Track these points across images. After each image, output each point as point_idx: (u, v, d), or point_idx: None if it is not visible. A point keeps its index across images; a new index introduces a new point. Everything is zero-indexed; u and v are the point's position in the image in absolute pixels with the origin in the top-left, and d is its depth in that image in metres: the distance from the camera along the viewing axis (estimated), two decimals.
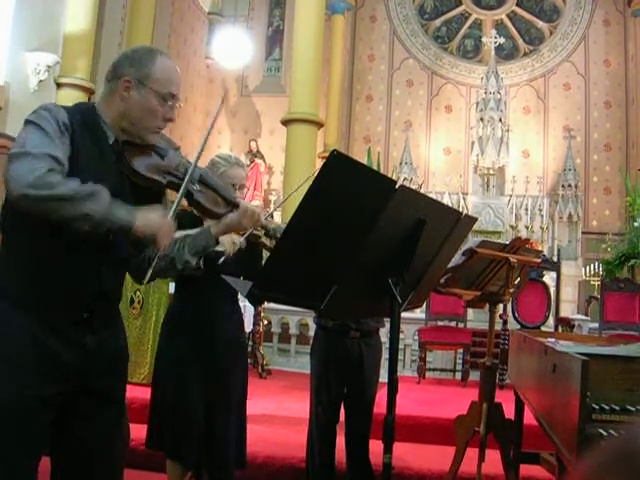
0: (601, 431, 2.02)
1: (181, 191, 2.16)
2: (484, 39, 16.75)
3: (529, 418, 3.48)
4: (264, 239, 3.28)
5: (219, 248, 3.24)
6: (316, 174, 1.79)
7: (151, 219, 2.02)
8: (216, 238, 2.29)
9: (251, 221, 2.29)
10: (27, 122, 2.02)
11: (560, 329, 8.43)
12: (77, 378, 2.11)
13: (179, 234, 2.30)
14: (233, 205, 2.29)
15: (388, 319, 2.18)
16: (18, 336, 2.03)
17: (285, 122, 12.46)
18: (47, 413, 2.06)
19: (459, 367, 8.42)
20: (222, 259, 3.06)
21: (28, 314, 2.05)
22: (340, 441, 3.75)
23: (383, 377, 2.75)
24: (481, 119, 15.22)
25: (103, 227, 1.96)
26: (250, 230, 2.91)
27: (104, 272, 2.13)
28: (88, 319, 2.11)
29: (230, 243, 3.20)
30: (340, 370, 3.66)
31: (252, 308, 7.97)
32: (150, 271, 2.14)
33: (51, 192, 1.87)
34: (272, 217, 3.43)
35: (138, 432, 4.05)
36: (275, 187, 16.58)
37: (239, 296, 3.58)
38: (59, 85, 11.41)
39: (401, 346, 8.38)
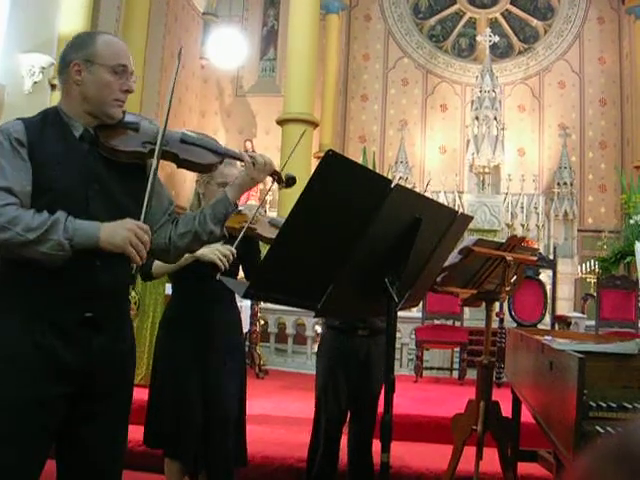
0: (598, 428, 2.03)
1: (156, 153, 2.18)
2: (479, 38, 16.76)
3: (526, 416, 3.49)
4: (260, 230, 3.28)
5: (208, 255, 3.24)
6: (311, 172, 1.79)
7: (117, 233, 2.05)
8: (234, 202, 2.30)
9: (264, 171, 2.31)
10: None
11: (557, 327, 8.43)
12: (82, 379, 2.10)
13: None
14: (222, 154, 2.33)
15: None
16: (18, 337, 2.03)
17: (280, 122, 12.46)
18: (48, 415, 2.05)
19: (456, 365, 8.43)
20: (218, 275, 3.08)
21: (28, 315, 2.04)
22: (343, 441, 3.75)
23: None
24: (476, 117, 15.23)
25: (68, 253, 2.01)
26: (245, 227, 2.90)
27: (100, 269, 2.11)
28: (92, 319, 2.10)
29: (220, 257, 3.22)
30: (348, 369, 3.65)
31: (249, 309, 7.97)
32: (136, 277, 2.17)
33: (7, 235, 1.95)
34: (266, 212, 3.41)
35: (135, 433, 4.05)
36: (272, 187, 16.54)
37: (237, 296, 3.57)
38: (54, 86, 11.38)
39: (398, 345, 8.38)
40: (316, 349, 3.96)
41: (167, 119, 2.23)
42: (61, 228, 1.99)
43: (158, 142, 2.19)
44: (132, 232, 2.05)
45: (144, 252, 2.09)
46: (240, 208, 3.43)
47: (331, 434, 3.66)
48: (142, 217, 2.13)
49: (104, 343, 2.13)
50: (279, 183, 2.40)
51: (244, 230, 2.88)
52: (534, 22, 17.63)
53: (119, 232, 2.05)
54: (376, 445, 2.22)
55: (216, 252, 3.25)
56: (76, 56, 2.18)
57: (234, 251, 3.21)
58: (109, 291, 2.16)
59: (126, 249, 2.04)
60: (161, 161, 2.24)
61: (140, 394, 5.18)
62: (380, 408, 2.12)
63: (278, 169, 2.44)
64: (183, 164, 2.29)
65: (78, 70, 2.18)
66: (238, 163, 2.79)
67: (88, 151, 2.18)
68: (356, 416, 3.72)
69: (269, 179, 2.44)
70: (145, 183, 2.21)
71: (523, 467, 4.09)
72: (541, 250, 12.85)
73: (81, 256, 2.07)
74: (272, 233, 3.16)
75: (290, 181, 2.39)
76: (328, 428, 3.66)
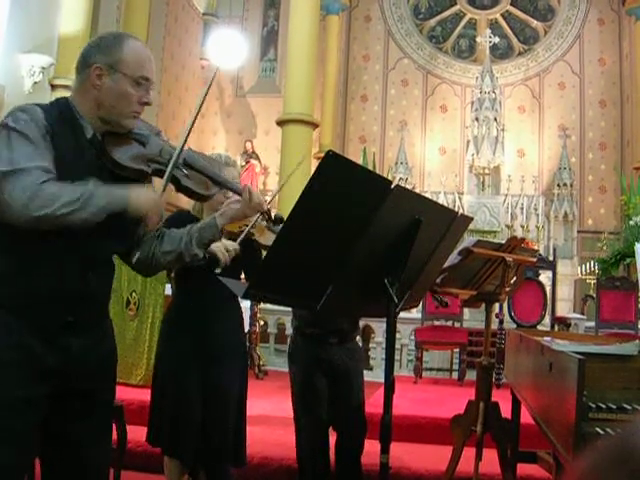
0: (598, 430, 2.02)
1: (166, 176, 2.16)
2: (479, 39, 16.77)
3: (526, 417, 3.48)
4: (258, 236, 3.28)
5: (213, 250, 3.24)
6: (312, 172, 1.80)
7: (142, 197, 2.08)
8: (222, 229, 2.30)
9: (256, 208, 2.29)
10: (6, 128, 1.99)
11: (556, 328, 8.44)
12: (62, 380, 2.08)
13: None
14: (222, 185, 2.31)
15: (377, 319, 2.17)
16: (2, 338, 2.01)
17: (280, 123, 12.46)
18: (33, 415, 2.04)
19: (456, 366, 8.43)
20: (218, 270, 3.06)
21: (12, 317, 2.02)
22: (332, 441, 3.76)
23: (379, 377, 2.75)
24: (476, 118, 15.23)
25: (97, 219, 1.99)
26: (246, 232, 2.90)
27: (88, 274, 2.10)
28: (74, 323, 2.08)
29: (223, 252, 3.20)
30: (324, 377, 3.66)
31: (249, 309, 7.97)
32: (138, 253, 2.20)
33: (50, 210, 1.90)
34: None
35: (136, 433, 4.05)
36: (271, 188, 16.57)
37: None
38: (54, 87, 11.38)
39: (397, 346, 8.38)
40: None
41: (184, 144, 2.21)
42: (96, 196, 1.98)
43: (170, 166, 2.17)
44: (156, 202, 2.11)
45: (159, 221, 2.16)
46: None
47: (316, 439, 3.66)
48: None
49: (84, 345, 2.11)
50: (267, 221, 2.40)
51: (242, 238, 2.89)
52: (534, 23, 17.64)
53: (146, 199, 2.09)
54: (375, 446, 2.22)
55: (220, 246, 3.22)
56: (100, 59, 2.11)
57: (237, 248, 3.20)
58: (93, 296, 2.14)
59: (150, 215, 2.10)
60: None
61: (140, 394, 5.19)
62: (379, 409, 2.12)
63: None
64: (182, 190, 2.26)
65: (99, 75, 2.10)
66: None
67: (95, 156, 2.12)
68: (339, 425, 3.73)
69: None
70: None
71: (522, 468, 4.09)
72: (541, 251, 12.86)
73: (74, 264, 2.06)
74: (270, 240, 3.15)
75: (278, 221, 2.40)
76: (312, 433, 3.65)
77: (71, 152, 2.07)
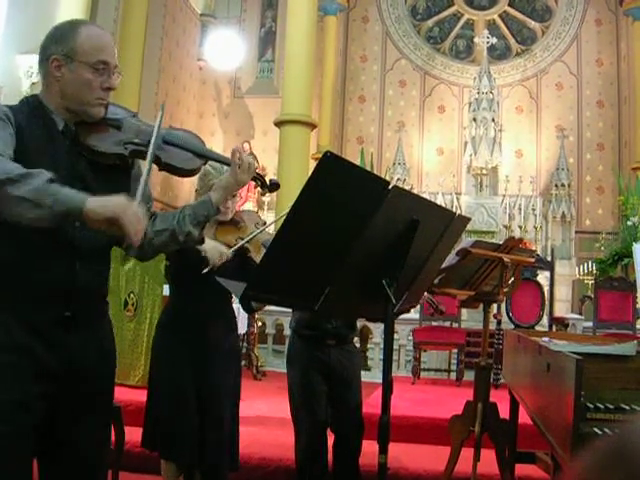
0: (596, 430, 2.03)
1: (149, 158, 2.06)
2: (476, 39, 16.76)
3: (524, 417, 3.49)
4: (253, 254, 3.30)
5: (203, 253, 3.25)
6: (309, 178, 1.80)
7: (109, 202, 1.84)
8: (217, 205, 2.22)
9: (248, 173, 2.22)
10: None
11: (554, 328, 8.45)
12: (60, 380, 2.06)
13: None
14: (206, 157, 2.24)
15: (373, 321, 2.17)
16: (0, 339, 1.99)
17: (278, 123, 12.46)
18: (30, 416, 2.01)
19: (454, 367, 8.43)
20: (207, 269, 3.07)
21: (5, 315, 2.00)
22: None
23: (377, 378, 2.75)
24: (474, 119, 15.23)
25: (44, 213, 1.80)
26: (240, 244, 2.90)
27: (78, 267, 2.06)
28: (71, 318, 2.06)
29: (217, 254, 3.20)
30: (323, 379, 3.67)
31: None
32: (130, 261, 2.06)
33: None
34: (265, 223, 3.42)
35: (133, 434, 4.05)
36: None
37: (233, 298, 3.58)
38: None
39: (395, 346, 8.38)
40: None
41: (160, 125, 2.13)
42: (44, 179, 1.80)
43: (150, 150, 2.07)
44: (128, 204, 1.87)
45: (141, 228, 1.89)
46: (239, 219, 3.45)
47: (314, 443, 3.66)
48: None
49: (83, 343, 2.09)
50: (262, 187, 2.34)
51: (235, 248, 2.88)
52: (532, 24, 17.64)
53: (112, 201, 1.85)
54: (373, 446, 2.22)
55: (215, 250, 3.22)
56: (56, 50, 2.08)
57: (230, 256, 3.22)
58: (88, 291, 2.11)
59: (122, 218, 1.82)
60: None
61: (138, 395, 5.18)
62: (377, 410, 2.12)
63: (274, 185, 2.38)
64: (165, 168, 2.19)
65: (57, 66, 2.08)
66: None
67: (69, 147, 2.10)
68: (337, 426, 3.73)
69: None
70: (129, 183, 2.17)
71: (521, 469, 4.09)
72: (539, 252, 12.86)
73: (61, 256, 2.03)
74: None
75: (273, 187, 2.35)
76: (310, 439, 3.66)
77: (42, 146, 2.04)
